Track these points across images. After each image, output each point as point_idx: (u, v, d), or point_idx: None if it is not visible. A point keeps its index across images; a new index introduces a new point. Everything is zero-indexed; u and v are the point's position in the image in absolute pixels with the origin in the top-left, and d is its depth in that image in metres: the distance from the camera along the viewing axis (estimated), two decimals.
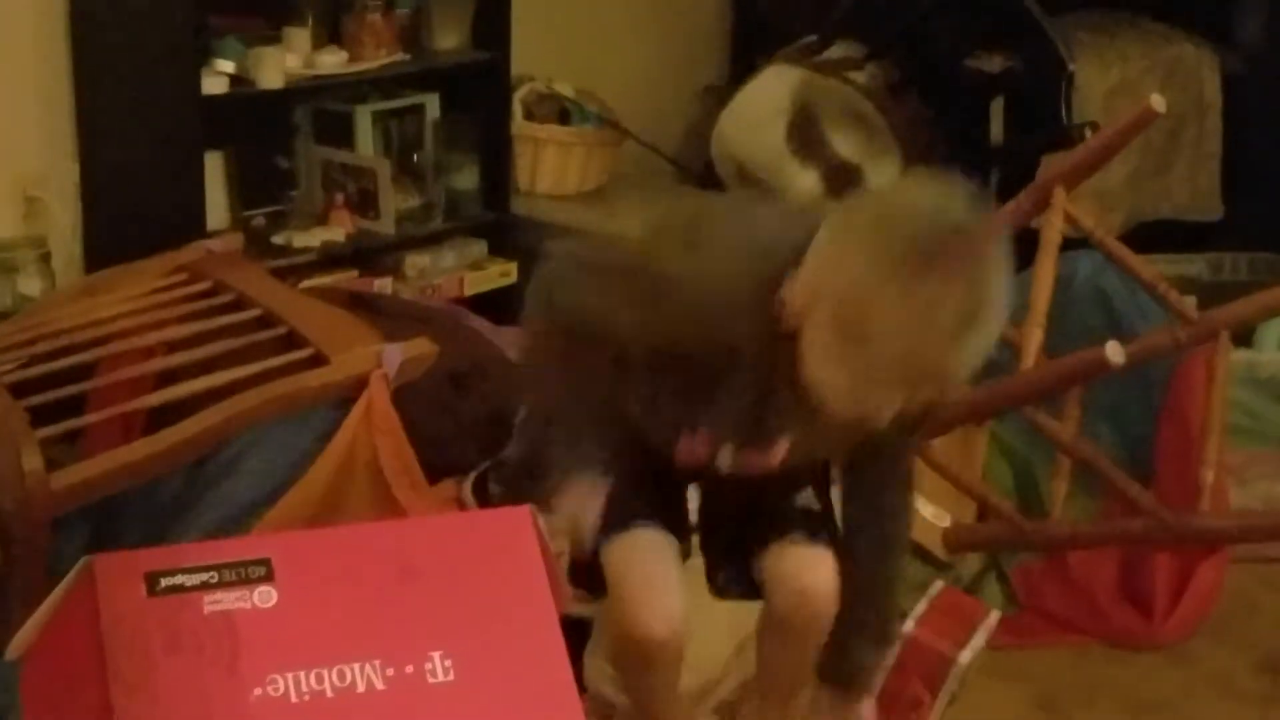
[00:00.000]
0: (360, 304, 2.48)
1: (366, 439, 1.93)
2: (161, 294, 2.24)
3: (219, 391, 1.92)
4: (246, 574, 1.35)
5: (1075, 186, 2.57)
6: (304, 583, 1.38)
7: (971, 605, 2.18)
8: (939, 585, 2.22)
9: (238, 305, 2.16)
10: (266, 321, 2.10)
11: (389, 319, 2.37)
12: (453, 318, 2.90)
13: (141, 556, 1.37)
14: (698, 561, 2.06)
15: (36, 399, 1.93)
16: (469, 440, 2.40)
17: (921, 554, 2.38)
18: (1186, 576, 2.49)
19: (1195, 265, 3.49)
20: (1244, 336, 2.78)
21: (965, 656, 2.08)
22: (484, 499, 2.35)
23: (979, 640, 2.12)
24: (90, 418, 1.92)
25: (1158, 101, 2.43)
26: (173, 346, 2.06)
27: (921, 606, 2.14)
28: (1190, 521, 2.32)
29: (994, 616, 2.17)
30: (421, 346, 2.05)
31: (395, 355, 1.99)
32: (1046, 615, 2.50)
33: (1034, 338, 2.40)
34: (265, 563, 1.36)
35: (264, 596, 1.35)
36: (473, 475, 2.36)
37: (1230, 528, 2.40)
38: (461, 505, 2.34)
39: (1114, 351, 2.16)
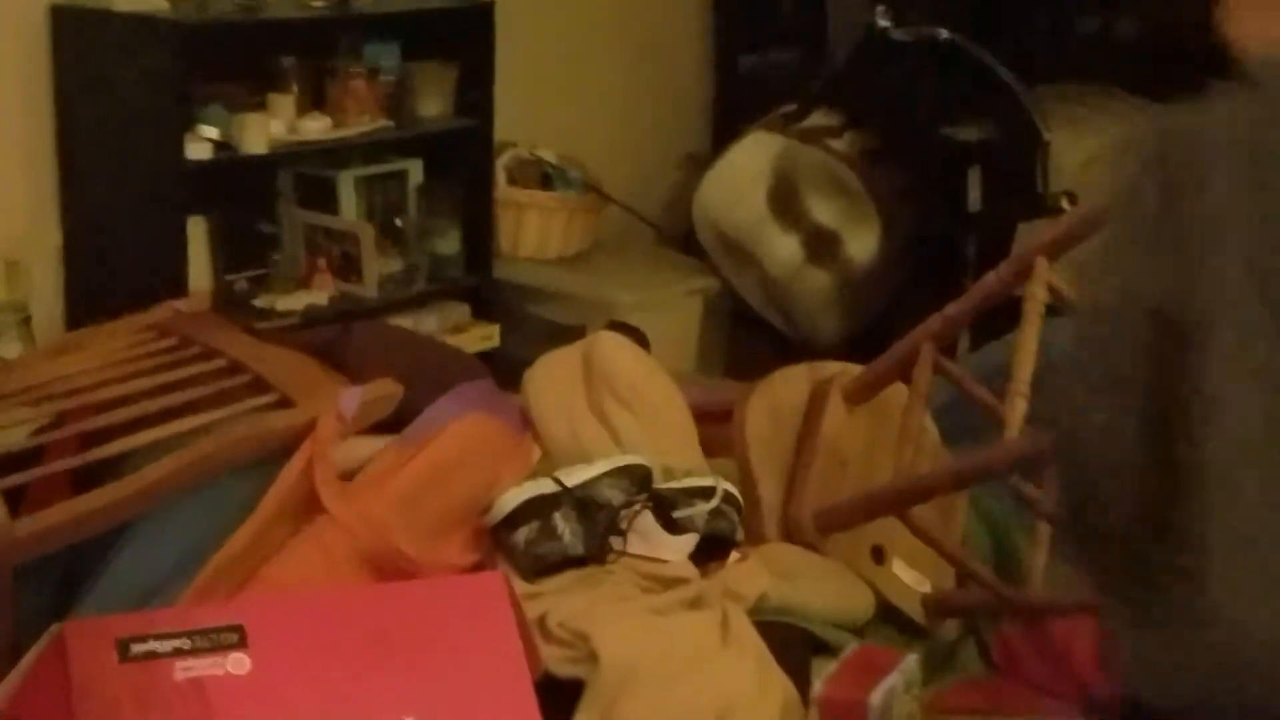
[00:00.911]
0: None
1: (308, 478, 1.91)
2: (130, 350, 2.24)
3: (184, 437, 1.91)
4: (219, 640, 1.35)
5: (1058, 257, 2.59)
6: (277, 649, 1.38)
7: (885, 654, 2.16)
8: (854, 645, 2.21)
9: (204, 357, 2.16)
10: (232, 370, 2.10)
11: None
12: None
13: (113, 622, 1.37)
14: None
15: (10, 449, 1.93)
16: None
17: (899, 620, 2.38)
18: None
19: None
20: None
21: (876, 697, 2.06)
22: (502, 542, 2.26)
23: (893, 681, 2.10)
24: (55, 466, 1.91)
25: None
26: (137, 397, 2.05)
27: (832, 668, 2.13)
28: None
29: (910, 660, 2.16)
30: (385, 388, 2.05)
31: (354, 397, 1.99)
32: (1025, 682, 2.49)
33: (1017, 408, 2.39)
34: (238, 629, 1.36)
35: (237, 663, 1.35)
36: (507, 510, 2.27)
37: None
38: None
39: None
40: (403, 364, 2.30)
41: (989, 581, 2.42)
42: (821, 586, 2.22)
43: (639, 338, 3.13)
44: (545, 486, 2.23)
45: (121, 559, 1.86)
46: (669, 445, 2.47)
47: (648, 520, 2.26)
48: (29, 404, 2.09)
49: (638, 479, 2.30)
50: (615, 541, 2.25)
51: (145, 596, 1.76)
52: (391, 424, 2.14)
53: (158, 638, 1.33)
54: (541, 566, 2.16)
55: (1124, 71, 4.36)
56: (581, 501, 2.24)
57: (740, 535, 2.30)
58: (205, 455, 1.87)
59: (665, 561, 2.22)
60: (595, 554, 2.21)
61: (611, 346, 2.53)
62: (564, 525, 2.20)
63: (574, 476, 2.26)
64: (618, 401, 2.42)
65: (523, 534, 2.17)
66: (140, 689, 1.31)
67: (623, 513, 2.26)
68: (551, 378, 2.48)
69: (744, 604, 2.11)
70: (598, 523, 2.22)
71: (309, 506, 1.91)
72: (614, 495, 2.26)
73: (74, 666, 1.31)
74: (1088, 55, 4.59)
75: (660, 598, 2.11)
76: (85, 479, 1.92)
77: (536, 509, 2.20)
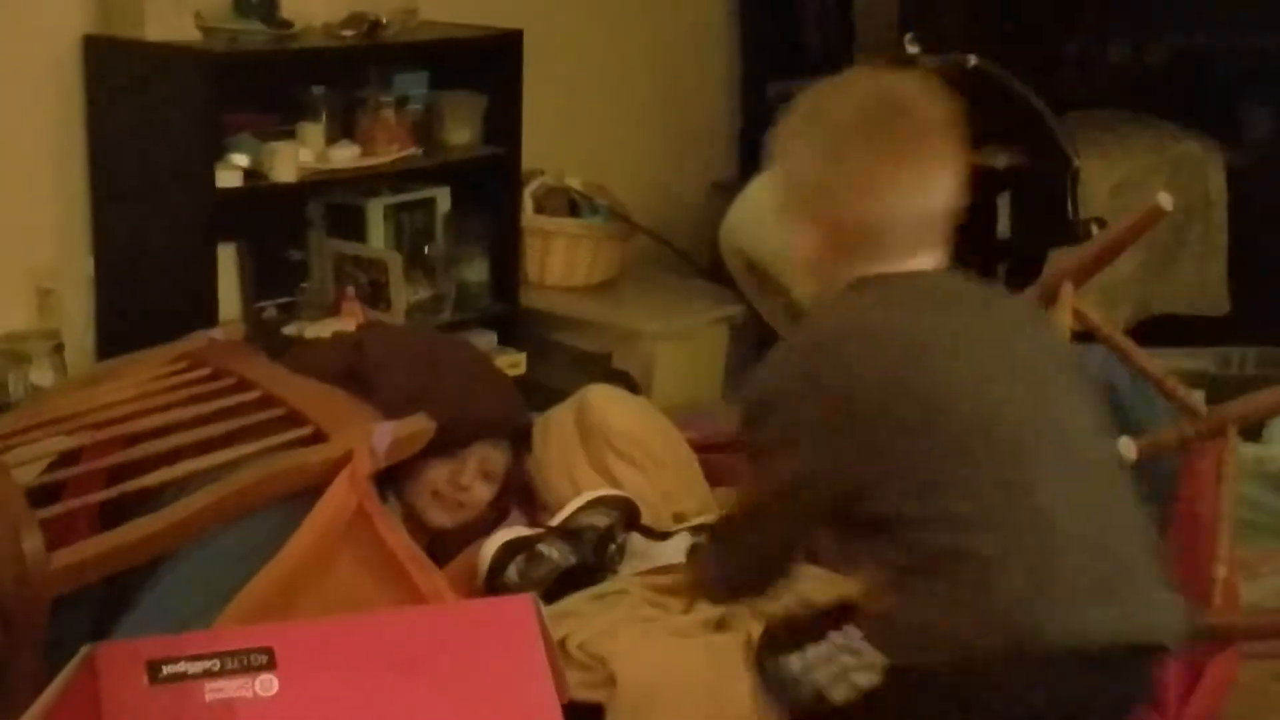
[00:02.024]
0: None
1: (349, 509, 1.92)
2: (162, 380, 2.25)
3: (218, 470, 1.92)
4: (248, 662, 1.35)
5: (1083, 282, 2.58)
6: (306, 672, 1.38)
7: None
8: None
9: (237, 388, 2.17)
10: (265, 403, 2.11)
11: None
12: None
13: (143, 645, 1.37)
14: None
15: (34, 482, 1.94)
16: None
17: None
18: (1198, 672, 2.46)
19: (1203, 360, 3.50)
20: (1253, 431, 2.77)
21: None
22: (499, 593, 2.29)
23: None
24: (92, 497, 1.92)
25: (1165, 199, 2.44)
26: (172, 428, 2.06)
27: None
28: (1203, 620, 2.30)
29: None
30: (417, 424, 2.06)
31: (386, 433, 2.00)
32: None
33: None
34: (267, 651, 1.36)
35: (265, 685, 1.35)
36: (489, 559, 2.30)
37: (1243, 625, 2.37)
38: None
39: (1126, 448, 2.15)
40: (423, 376, 2.32)
41: None
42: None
43: (629, 383, 3.14)
44: (522, 530, 2.26)
45: (157, 593, 1.86)
46: (676, 491, 2.48)
47: (636, 540, 2.29)
48: (65, 434, 2.10)
49: (618, 505, 2.32)
50: (614, 563, 2.27)
51: (180, 629, 1.76)
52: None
53: (188, 659, 1.34)
54: (544, 588, 2.17)
55: (1155, 97, 4.36)
56: (564, 531, 2.26)
57: None
58: (242, 490, 1.88)
59: (671, 567, 2.23)
60: (592, 562, 2.23)
61: (603, 401, 2.55)
62: (549, 548, 2.23)
63: (553, 520, 2.29)
64: (618, 456, 2.44)
65: (513, 570, 2.20)
66: (170, 710, 1.32)
67: (615, 534, 2.28)
68: (550, 443, 2.50)
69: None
70: (585, 540, 2.24)
71: (362, 538, 1.92)
72: (596, 519, 2.29)
73: (105, 688, 1.31)
74: (1118, 81, 4.59)
75: (684, 618, 2.11)
76: (116, 510, 1.93)
77: (518, 547, 2.24)
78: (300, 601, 1.83)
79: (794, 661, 1.45)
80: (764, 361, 1.55)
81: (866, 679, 1.38)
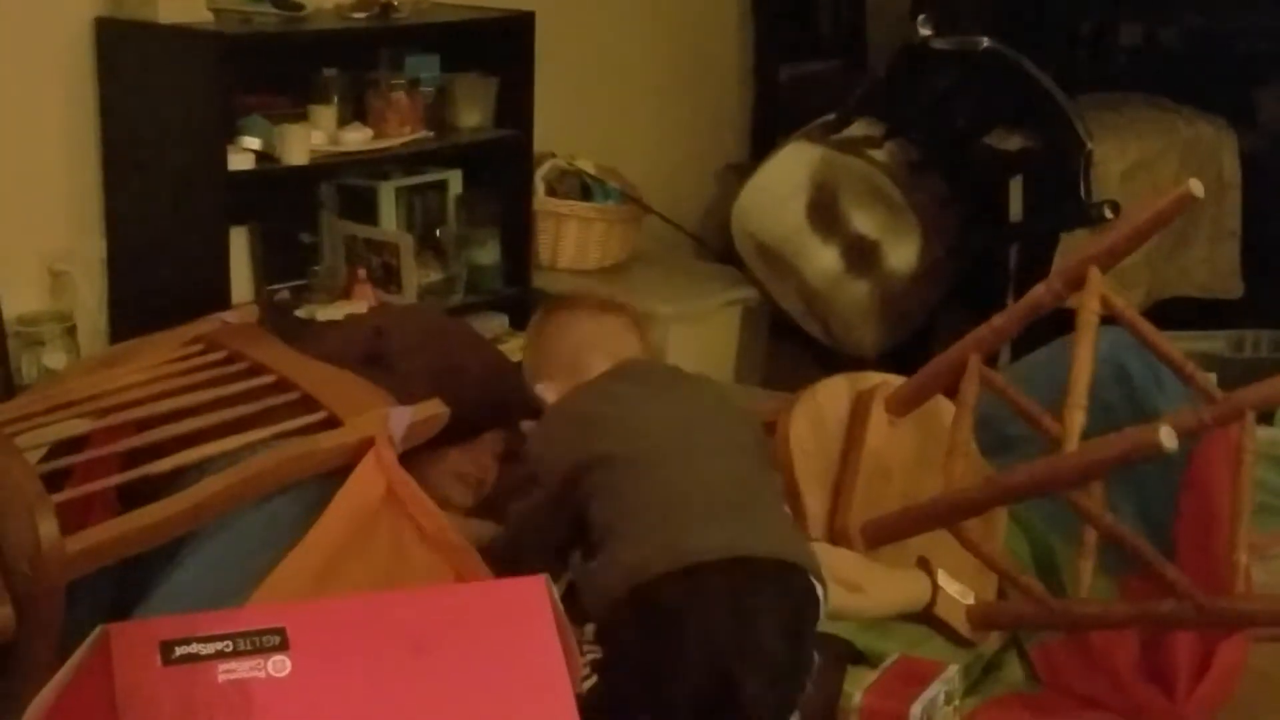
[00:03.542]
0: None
1: (376, 493, 1.92)
2: (176, 363, 2.25)
3: (233, 455, 1.92)
4: (261, 643, 1.35)
5: (1109, 267, 2.56)
6: (319, 653, 1.38)
7: (926, 665, 2.16)
8: (895, 656, 2.20)
9: (251, 372, 2.17)
10: (280, 387, 2.11)
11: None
12: None
13: (156, 625, 1.37)
14: None
15: (45, 466, 1.94)
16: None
17: (947, 632, 2.36)
18: (1209, 655, 2.46)
19: (1216, 342, 3.50)
20: (1266, 413, 2.77)
21: (917, 709, 2.06)
22: None
23: (934, 692, 2.10)
24: (108, 481, 1.92)
25: (1195, 186, 2.41)
26: (186, 412, 2.06)
27: (874, 678, 2.13)
28: (1225, 605, 2.29)
29: (951, 671, 2.16)
30: (433, 408, 2.06)
31: (403, 417, 2.00)
32: (1068, 693, 2.47)
33: (1076, 420, 2.36)
34: (280, 632, 1.36)
35: (278, 666, 1.35)
36: None
37: (1265, 611, 2.36)
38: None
39: (1168, 436, 2.10)
40: (446, 363, 2.32)
41: (1038, 594, 2.40)
42: (883, 585, 2.22)
43: None
44: None
45: (177, 577, 1.86)
46: None
47: None
48: (78, 417, 2.11)
49: None
50: None
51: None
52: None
53: (200, 640, 1.34)
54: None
55: (1168, 80, 4.34)
56: None
57: None
58: (257, 473, 1.88)
59: None
60: None
61: None
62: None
63: None
64: None
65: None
66: (183, 691, 1.32)
67: None
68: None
69: None
70: None
71: (390, 523, 1.92)
72: None
73: (118, 669, 1.31)
74: (1131, 63, 4.58)
75: None
76: (131, 493, 1.94)
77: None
78: (331, 587, 1.83)
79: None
80: None
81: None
